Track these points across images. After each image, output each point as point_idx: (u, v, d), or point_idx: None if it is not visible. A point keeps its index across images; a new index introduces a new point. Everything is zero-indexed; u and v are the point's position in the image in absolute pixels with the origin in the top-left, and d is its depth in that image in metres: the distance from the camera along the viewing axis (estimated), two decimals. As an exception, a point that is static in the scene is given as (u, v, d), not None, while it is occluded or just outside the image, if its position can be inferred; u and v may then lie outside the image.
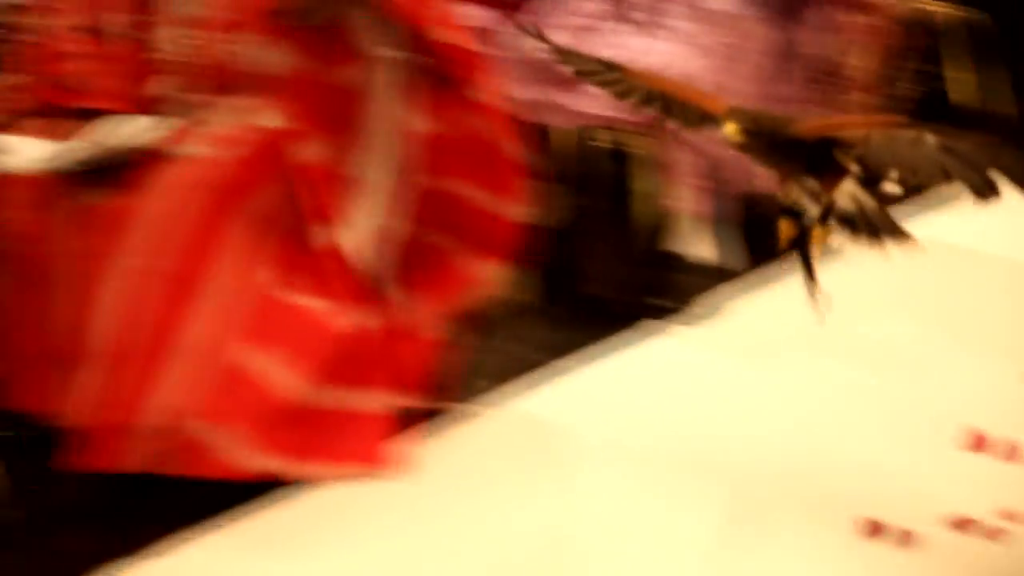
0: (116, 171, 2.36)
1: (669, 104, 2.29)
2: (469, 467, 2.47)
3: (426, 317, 2.53)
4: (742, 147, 2.10)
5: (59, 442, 2.31)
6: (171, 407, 2.24)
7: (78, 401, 2.27)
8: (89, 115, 2.44)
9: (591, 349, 2.94)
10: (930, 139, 1.93)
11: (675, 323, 3.12)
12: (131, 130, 2.40)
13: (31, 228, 2.39)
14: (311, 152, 2.42)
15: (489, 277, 2.56)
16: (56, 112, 2.46)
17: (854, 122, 2.22)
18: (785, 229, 2.22)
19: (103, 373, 2.25)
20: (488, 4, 3.31)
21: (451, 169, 2.48)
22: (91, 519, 2.33)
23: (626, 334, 3.02)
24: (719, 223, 3.44)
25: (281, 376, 2.32)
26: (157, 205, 2.30)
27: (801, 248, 2.21)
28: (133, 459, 2.26)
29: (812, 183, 2.14)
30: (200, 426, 2.26)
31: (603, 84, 2.38)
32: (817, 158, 2.11)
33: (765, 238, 2.90)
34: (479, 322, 2.69)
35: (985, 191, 1.90)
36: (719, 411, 2.69)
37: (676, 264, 3.36)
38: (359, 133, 2.46)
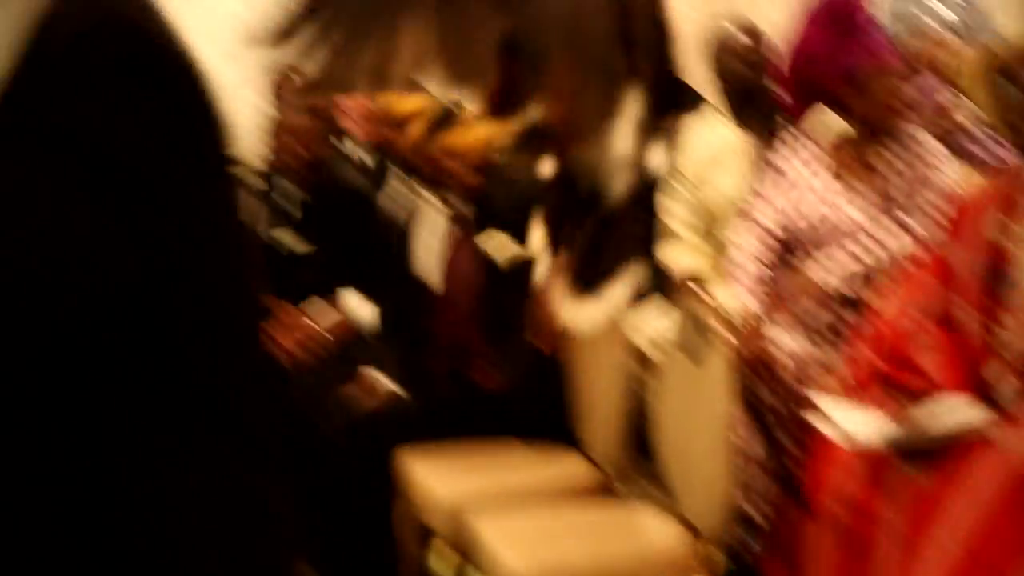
0: (937, 451, 2.44)
1: None
2: None
3: None
4: None
5: None
6: None
7: None
8: (917, 394, 2.55)
9: None
10: None
11: None
12: (955, 413, 2.47)
13: (854, 495, 2.52)
14: None
15: None
16: (889, 388, 2.60)
17: None
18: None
19: None
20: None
21: None
22: None
23: None
24: None
25: None
26: (970, 492, 2.34)
27: None
28: None
29: None
30: None
31: None
32: None
33: None
34: None
35: None
36: None
37: None
38: None
